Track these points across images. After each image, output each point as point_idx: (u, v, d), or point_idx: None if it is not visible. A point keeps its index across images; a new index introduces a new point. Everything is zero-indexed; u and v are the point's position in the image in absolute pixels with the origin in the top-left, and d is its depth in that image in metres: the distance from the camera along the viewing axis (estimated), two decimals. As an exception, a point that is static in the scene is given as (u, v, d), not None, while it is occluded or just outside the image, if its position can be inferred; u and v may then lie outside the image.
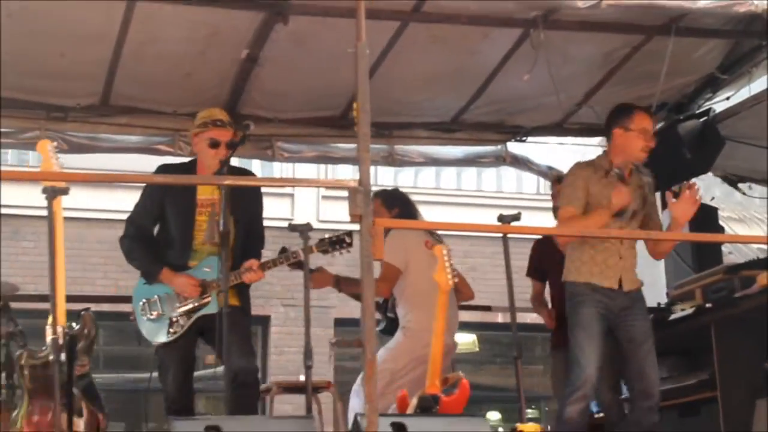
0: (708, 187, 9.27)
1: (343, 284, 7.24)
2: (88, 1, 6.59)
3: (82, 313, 5.32)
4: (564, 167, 8.89)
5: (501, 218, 5.80)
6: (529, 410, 12.94)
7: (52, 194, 5.10)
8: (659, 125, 8.39)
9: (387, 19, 7.04)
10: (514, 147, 8.85)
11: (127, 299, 6.53)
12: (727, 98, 8.21)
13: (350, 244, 6.31)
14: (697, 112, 8.39)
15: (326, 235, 6.42)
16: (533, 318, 7.93)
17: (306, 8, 6.76)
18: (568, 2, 6.04)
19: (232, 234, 6.24)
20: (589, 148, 8.99)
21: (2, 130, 7.72)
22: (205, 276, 6.28)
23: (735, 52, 7.94)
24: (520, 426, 5.49)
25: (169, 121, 8.02)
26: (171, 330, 6.24)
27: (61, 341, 5.04)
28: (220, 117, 6.44)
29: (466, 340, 14.90)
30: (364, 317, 5.12)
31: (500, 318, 14.54)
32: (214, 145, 6.35)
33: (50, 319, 5.14)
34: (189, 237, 6.34)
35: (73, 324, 5.28)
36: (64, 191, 5.13)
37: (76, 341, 5.20)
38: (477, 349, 16.59)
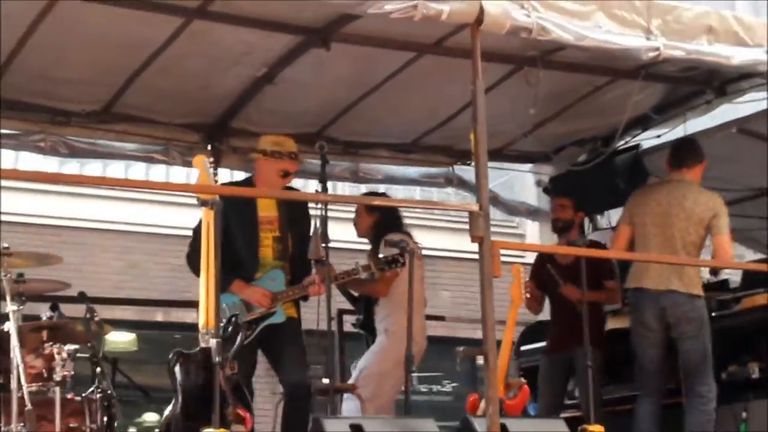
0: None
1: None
2: (148, 12, 6.81)
3: (232, 319, 5.64)
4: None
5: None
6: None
7: (214, 207, 5.43)
8: (592, 156, 9.35)
9: (404, 50, 7.61)
10: (459, 170, 9.53)
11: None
12: (658, 136, 9.15)
13: (404, 264, 6.84)
14: (627, 146, 9.29)
15: (381, 255, 6.91)
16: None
17: (350, 37, 7.20)
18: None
19: (291, 250, 6.75)
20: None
21: (6, 131, 7.80)
22: (270, 287, 6.70)
23: (672, 95, 8.88)
24: (588, 427, 6.19)
25: (163, 131, 8.32)
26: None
27: (210, 345, 5.38)
28: (294, 150, 6.92)
29: (124, 339, 14.84)
30: (484, 329, 5.72)
31: (160, 317, 14.87)
32: (286, 175, 6.79)
33: (201, 323, 5.48)
34: (255, 251, 6.74)
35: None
36: (219, 204, 5.47)
37: (228, 345, 5.52)
38: (135, 348, 15.85)
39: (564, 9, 6.24)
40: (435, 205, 8.02)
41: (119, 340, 14.43)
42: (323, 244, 6.25)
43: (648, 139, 9.27)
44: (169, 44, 7.19)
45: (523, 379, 6.74)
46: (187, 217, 15.43)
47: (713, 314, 7.67)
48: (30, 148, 7.95)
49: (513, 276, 6.54)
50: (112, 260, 14.92)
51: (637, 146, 9.28)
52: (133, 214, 15.59)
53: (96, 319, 5.99)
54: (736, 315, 7.59)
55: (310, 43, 7.29)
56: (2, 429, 5.83)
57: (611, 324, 8.43)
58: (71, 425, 5.96)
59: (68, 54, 7.30)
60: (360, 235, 7.94)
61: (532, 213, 9.98)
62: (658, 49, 6.46)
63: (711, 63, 6.75)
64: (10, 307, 5.76)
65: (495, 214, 18.09)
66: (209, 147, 8.47)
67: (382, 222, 7.82)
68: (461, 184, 9.56)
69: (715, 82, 8.50)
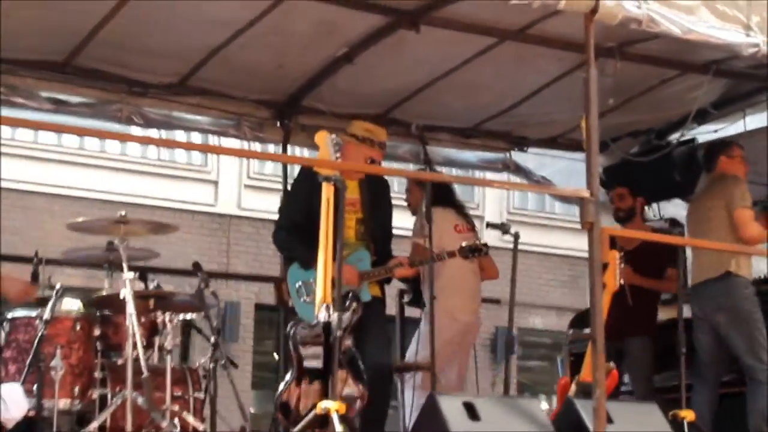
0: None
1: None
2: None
3: (350, 294, 5.68)
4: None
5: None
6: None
7: (337, 183, 5.49)
8: (646, 148, 9.46)
9: (486, 35, 7.66)
10: (516, 156, 9.61)
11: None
12: (715, 131, 9.25)
13: (486, 253, 6.91)
14: (684, 139, 9.38)
15: (464, 244, 6.98)
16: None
17: (439, 21, 7.24)
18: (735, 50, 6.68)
19: (373, 232, 6.80)
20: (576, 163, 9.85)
21: (84, 101, 7.82)
22: (357, 267, 6.70)
23: (732, 91, 8.97)
24: (680, 412, 6.31)
25: (235, 106, 8.37)
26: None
27: (330, 319, 5.43)
28: (385, 141, 6.94)
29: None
30: (593, 314, 5.79)
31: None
32: (371, 163, 6.82)
33: (319, 298, 5.53)
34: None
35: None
36: (341, 181, 5.51)
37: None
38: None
39: (671, 2, 6.29)
40: (544, 189, 8.06)
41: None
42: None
43: (705, 133, 9.35)
44: (257, 21, 7.21)
45: (612, 364, 6.79)
46: (130, 184, 15.81)
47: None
48: (107, 117, 7.94)
49: (609, 261, 6.61)
50: (58, 225, 14.48)
51: (693, 140, 9.37)
52: (79, 179, 15.73)
53: (211, 289, 6.02)
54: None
55: (399, 25, 7.33)
56: (111, 395, 5.87)
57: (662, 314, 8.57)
58: (175, 394, 6.00)
59: (154, 27, 7.33)
60: (414, 213, 7.94)
61: (583, 200, 10.04)
62: (758, 45, 6.51)
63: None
64: (126, 274, 5.78)
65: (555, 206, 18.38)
66: (278, 124, 8.53)
67: (434, 194, 7.82)
68: (517, 169, 9.63)
69: (778, 80, 8.59)
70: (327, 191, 5.61)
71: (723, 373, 7.54)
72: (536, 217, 19.46)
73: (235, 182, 17.05)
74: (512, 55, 7.93)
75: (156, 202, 15.73)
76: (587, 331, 7.78)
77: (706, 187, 8.06)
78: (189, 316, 6.55)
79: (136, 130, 9.05)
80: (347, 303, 5.61)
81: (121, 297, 5.75)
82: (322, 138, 5.77)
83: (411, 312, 8.17)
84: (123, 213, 5.96)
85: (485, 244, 6.95)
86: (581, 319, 9.49)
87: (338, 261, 5.44)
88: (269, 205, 16.36)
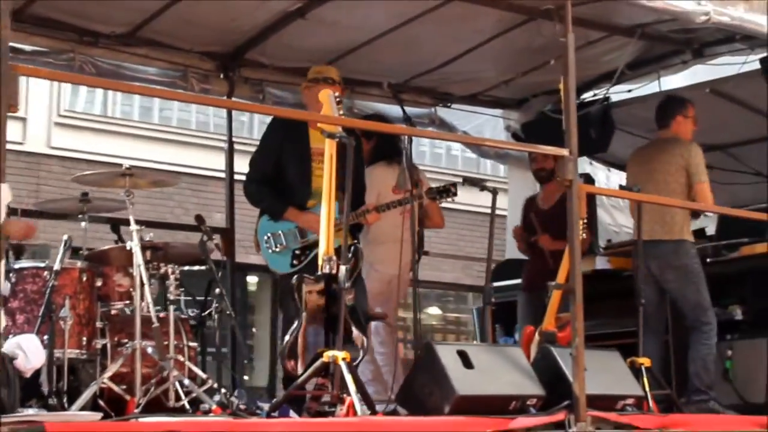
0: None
1: None
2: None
3: (352, 248, 5.87)
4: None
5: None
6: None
7: (343, 140, 5.68)
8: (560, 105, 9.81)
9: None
10: (441, 111, 9.89)
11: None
12: (629, 91, 9.68)
13: (455, 194, 7.16)
14: (597, 98, 9.78)
15: (434, 186, 7.24)
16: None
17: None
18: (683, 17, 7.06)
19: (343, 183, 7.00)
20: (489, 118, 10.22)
21: (38, 49, 7.80)
22: None
23: (648, 52, 9.39)
24: (638, 359, 6.73)
25: (182, 58, 8.45)
26: (294, 261, 6.82)
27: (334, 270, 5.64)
28: (331, 75, 7.03)
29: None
30: (572, 267, 6.15)
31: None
32: None
33: (322, 252, 5.73)
34: (308, 181, 6.88)
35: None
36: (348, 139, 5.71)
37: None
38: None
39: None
40: (528, 147, 8.38)
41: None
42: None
43: (618, 93, 9.76)
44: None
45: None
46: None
47: (708, 260, 8.25)
48: (60, 66, 7.91)
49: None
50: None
51: (607, 98, 9.77)
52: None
53: (214, 241, 6.14)
54: (729, 262, 8.21)
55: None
56: (110, 345, 5.98)
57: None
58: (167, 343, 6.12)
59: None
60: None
61: (501, 156, 10.41)
62: (708, 14, 6.93)
63: (750, 30, 7.22)
64: (133, 226, 5.87)
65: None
66: (222, 76, 8.62)
67: (380, 147, 8.06)
68: (442, 124, 9.91)
69: (694, 44, 9.05)
70: (330, 147, 5.80)
71: (664, 323, 7.92)
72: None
73: (44, 119, 16.44)
74: (456, 14, 8.18)
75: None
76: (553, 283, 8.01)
77: (658, 146, 8.22)
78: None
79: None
80: (349, 255, 5.80)
81: (128, 248, 5.85)
82: (325, 95, 5.92)
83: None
84: (128, 166, 6.05)
85: (454, 185, 7.15)
86: (500, 270, 9.88)
87: (345, 215, 5.66)
88: (81, 144, 16.20)
